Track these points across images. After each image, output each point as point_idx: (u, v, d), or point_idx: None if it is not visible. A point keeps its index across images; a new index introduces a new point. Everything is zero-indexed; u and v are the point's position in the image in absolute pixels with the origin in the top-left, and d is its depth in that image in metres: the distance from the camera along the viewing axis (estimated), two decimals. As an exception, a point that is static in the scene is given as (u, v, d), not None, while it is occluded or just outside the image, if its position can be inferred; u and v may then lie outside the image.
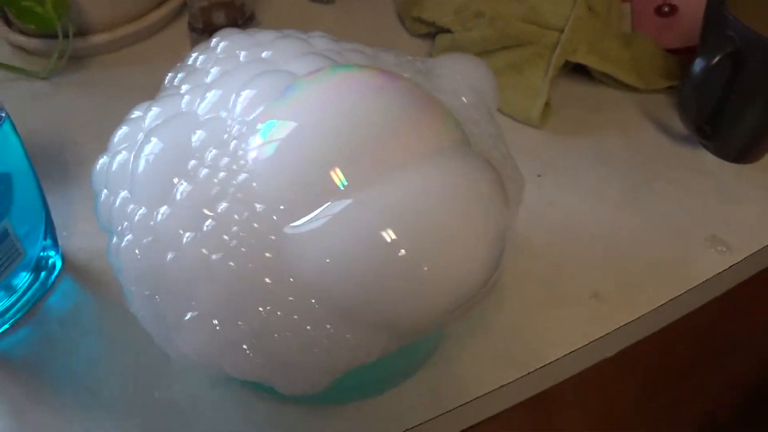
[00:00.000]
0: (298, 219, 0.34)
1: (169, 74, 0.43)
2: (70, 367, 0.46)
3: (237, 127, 0.36)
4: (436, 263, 0.34)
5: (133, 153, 0.38)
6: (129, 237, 0.37)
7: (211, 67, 0.41)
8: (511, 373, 0.44)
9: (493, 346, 0.46)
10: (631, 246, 0.50)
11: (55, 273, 0.51)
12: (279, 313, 0.34)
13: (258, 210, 0.34)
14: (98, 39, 0.63)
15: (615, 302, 0.48)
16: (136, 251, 0.37)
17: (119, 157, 0.39)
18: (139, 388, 0.45)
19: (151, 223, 0.36)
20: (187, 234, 0.35)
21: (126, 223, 0.37)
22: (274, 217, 0.34)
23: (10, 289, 0.49)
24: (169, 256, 0.35)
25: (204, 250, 0.34)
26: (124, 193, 0.38)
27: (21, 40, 0.64)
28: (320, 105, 0.36)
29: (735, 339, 0.63)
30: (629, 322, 0.47)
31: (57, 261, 0.51)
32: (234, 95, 0.37)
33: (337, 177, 0.33)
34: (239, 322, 0.35)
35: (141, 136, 0.39)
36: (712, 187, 0.54)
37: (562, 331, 0.46)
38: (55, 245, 0.51)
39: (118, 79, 0.62)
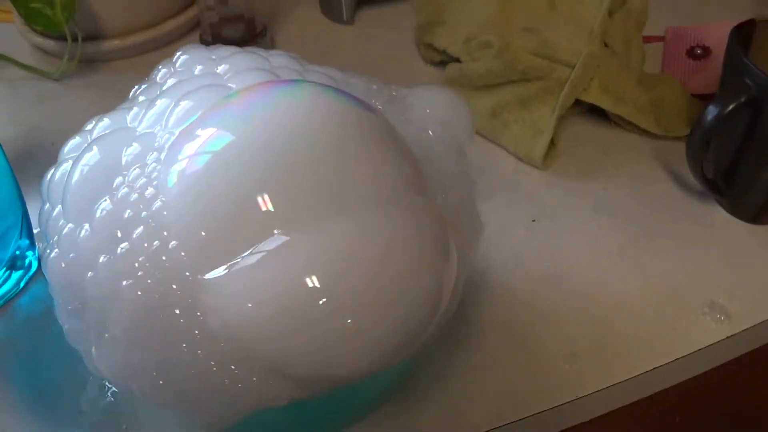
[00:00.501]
0: (213, 267, 0.32)
1: (135, 87, 0.42)
2: (28, 369, 0.46)
3: (164, 139, 0.35)
4: (359, 317, 0.31)
5: (71, 163, 0.37)
6: (56, 250, 0.36)
7: (167, 81, 0.40)
8: (464, 430, 0.42)
9: (450, 398, 0.43)
10: (620, 305, 0.47)
11: (30, 273, 0.51)
12: (184, 345, 0.33)
13: (168, 244, 0.32)
14: (110, 45, 0.63)
15: (592, 365, 0.44)
16: (62, 265, 0.36)
17: (62, 167, 0.38)
18: (88, 404, 0.44)
19: (76, 239, 0.35)
20: (102, 256, 0.33)
21: (56, 237, 0.36)
22: (183, 254, 0.32)
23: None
24: (89, 274, 0.34)
25: (115, 275, 0.33)
26: (59, 208, 0.37)
27: (38, 40, 0.64)
28: (252, 126, 0.34)
29: (742, 416, 0.58)
30: (603, 389, 0.44)
31: (33, 261, 0.51)
32: (170, 108, 0.36)
33: (263, 222, 0.31)
34: (146, 349, 0.33)
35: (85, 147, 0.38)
36: (719, 248, 0.50)
37: (529, 390, 0.43)
38: (33, 246, 0.51)
39: (127, 86, 0.61)
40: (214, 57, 0.40)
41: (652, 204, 0.52)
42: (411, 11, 0.66)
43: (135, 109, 0.38)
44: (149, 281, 0.32)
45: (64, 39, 0.62)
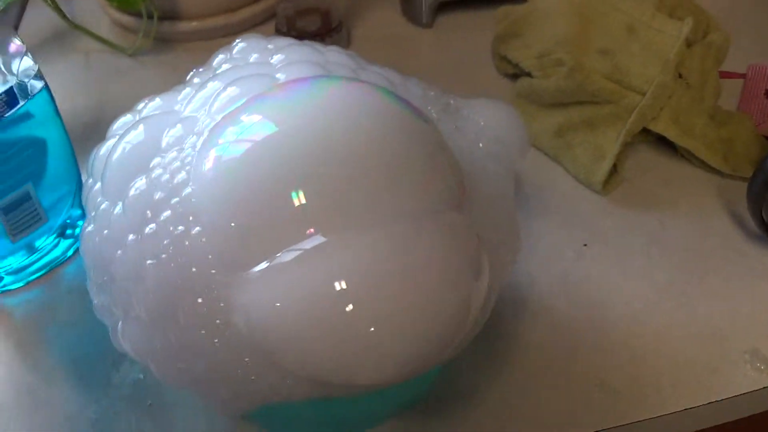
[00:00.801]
0: (241, 260, 0.32)
1: (193, 70, 0.43)
2: (65, 336, 0.47)
3: (205, 124, 0.35)
4: (384, 326, 0.31)
5: (116, 140, 0.37)
6: (92, 225, 0.37)
7: (222, 67, 0.40)
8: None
9: (474, 412, 0.42)
10: (661, 340, 0.45)
11: (78, 243, 0.52)
12: (203, 332, 0.33)
13: (192, 230, 0.32)
14: (186, 26, 0.64)
15: (621, 396, 0.43)
16: (96, 240, 0.36)
17: (107, 143, 0.38)
18: (118, 378, 0.45)
19: (110, 216, 0.36)
20: (131, 235, 0.34)
21: (93, 212, 0.37)
22: (204, 240, 0.32)
23: (31, 250, 0.50)
24: (118, 252, 0.35)
25: (141, 254, 0.33)
26: (99, 184, 0.37)
27: (116, 15, 0.66)
28: (296, 119, 0.33)
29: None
30: (631, 423, 0.42)
31: (84, 232, 0.52)
32: (217, 93, 0.36)
33: (298, 221, 0.31)
34: (167, 331, 0.33)
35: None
36: (771, 296, 0.48)
37: (555, 414, 0.42)
38: (84, 216, 0.52)
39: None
40: (270, 47, 0.40)
41: (708, 242, 0.50)
42: (491, 20, 0.65)
43: (186, 90, 0.39)
44: (172, 265, 0.32)
45: (141, 16, 0.63)
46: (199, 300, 0.32)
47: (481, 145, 0.40)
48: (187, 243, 0.32)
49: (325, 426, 0.42)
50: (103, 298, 0.37)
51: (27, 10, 0.74)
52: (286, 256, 0.31)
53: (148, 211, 0.33)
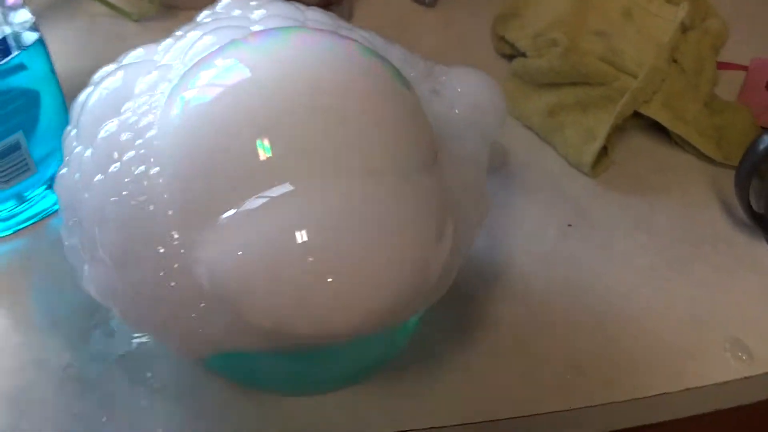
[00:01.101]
0: (201, 214, 0.32)
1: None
2: (44, 286, 0.48)
3: (178, 71, 0.35)
4: (342, 278, 0.31)
5: (94, 87, 0.38)
6: (65, 169, 0.37)
7: (204, 21, 0.40)
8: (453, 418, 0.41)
9: (440, 385, 0.43)
10: (638, 325, 0.45)
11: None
12: (161, 274, 0.33)
13: (151, 171, 0.33)
14: (191, -7, 0.64)
15: (592, 378, 0.43)
16: (69, 183, 0.37)
17: (87, 90, 0.39)
18: (93, 328, 0.45)
19: (81, 159, 0.36)
20: (98, 176, 0.34)
21: (68, 157, 0.38)
22: (161, 181, 0.32)
23: (21, 199, 0.50)
24: (86, 195, 0.35)
25: (105, 194, 0.34)
26: (75, 129, 0.38)
27: (125, -20, 0.66)
28: (267, 65, 0.34)
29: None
30: (601, 404, 0.42)
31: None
32: (193, 43, 0.36)
33: (263, 169, 0.31)
34: (127, 274, 0.34)
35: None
36: (756, 286, 0.47)
37: (524, 393, 0.42)
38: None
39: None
40: (253, 3, 0.40)
41: (695, 229, 0.50)
42: (496, 1, 0.65)
43: (167, 41, 0.39)
44: (132, 203, 0.33)
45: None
46: (157, 242, 0.33)
47: (457, 111, 0.40)
48: (146, 183, 0.32)
49: (289, 384, 0.42)
50: (73, 241, 0.37)
51: None
52: (252, 204, 0.31)
53: (115, 152, 0.34)
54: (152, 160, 0.32)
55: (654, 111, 0.52)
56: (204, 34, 0.36)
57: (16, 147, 0.47)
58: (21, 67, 0.46)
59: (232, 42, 0.34)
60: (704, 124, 0.52)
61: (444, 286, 0.37)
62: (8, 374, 0.43)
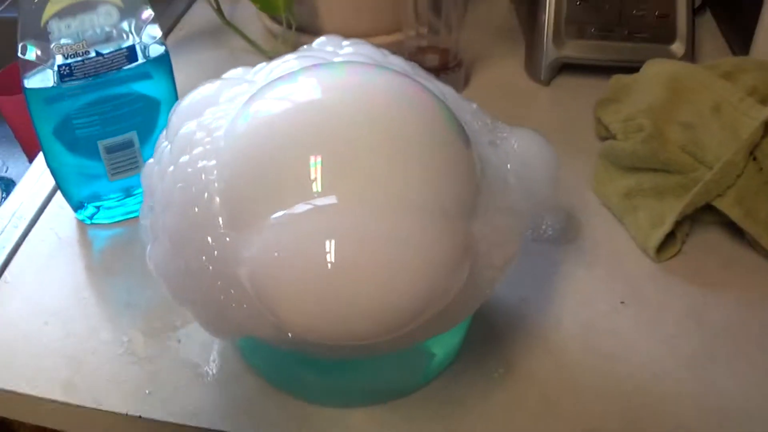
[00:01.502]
0: (248, 215, 0.36)
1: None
2: (131, 273, 0.54)
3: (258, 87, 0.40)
4: (361, 287, 0.34)
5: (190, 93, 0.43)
6: (152, 160, 0.42)
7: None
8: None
9: (461, 426, 0.44)
10: (666, 408, 0.45)
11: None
12: (203, 258, 0.37)
13: (210, 166, 0.37)
14: (320, 39, 0.70)
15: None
16: (150, 172, 0.42)
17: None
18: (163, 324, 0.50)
19: (163, 152, 0.41)
20: (171, 167, 0.39)
21: (157, 152, 0.43)
22: (212, 177, 0.37)
23: (127, 193, 0.57)
24: (160, 183, 0.40)
25: (174, 181, 0.38)
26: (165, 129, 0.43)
27: (268, 23, 0.73)
28: (335, 91, 0.38)
29: None
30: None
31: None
32: (277, 66, 0.41)
33: (312, 182, 0.34)
34: (178, 253, 0.38)
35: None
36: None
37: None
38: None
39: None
40: (345, 43, 0.45)
41: (746, 328, 0.49)
42: (606, 86, 0.67)
43: (262, 64, 0.44)
44: (193, 191, 0.37)
45: (286, 25, 0.70)
46: (205, 229, 0.37)
47: (509, 166, 0.42)
48: (203, 176, 0.37)
49: (312, 390, 0.45)
50: (146, 221, 0.42)
51: (193, 6, 0.84)
52: (295, 209, 0.35)
53: (188, 147, 0.38)
54: (214, 157, 0.37)
55: (726, 206, 0.52)
56: (290, 59, 0.41)
57: (129, 144, 0.54)
58: (145, 75, 0.52)
59: (305, 68, 0.39)
60: (777, 227, 0.52)
61: (459, 313, 0.39)
62: (77, 338, 0.49)
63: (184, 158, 0.38)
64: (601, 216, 0.57)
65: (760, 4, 0.67)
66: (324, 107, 0.37)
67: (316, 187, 0.35)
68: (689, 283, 0.52)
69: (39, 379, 0.47)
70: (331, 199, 0.34)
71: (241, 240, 0.36)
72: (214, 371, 0.47)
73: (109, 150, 0.53)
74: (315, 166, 0.35)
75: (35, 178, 0.62)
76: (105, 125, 0.52)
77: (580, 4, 0.70)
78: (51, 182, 0.61)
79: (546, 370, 0.47)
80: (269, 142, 0.37)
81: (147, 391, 0.46)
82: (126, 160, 0.54)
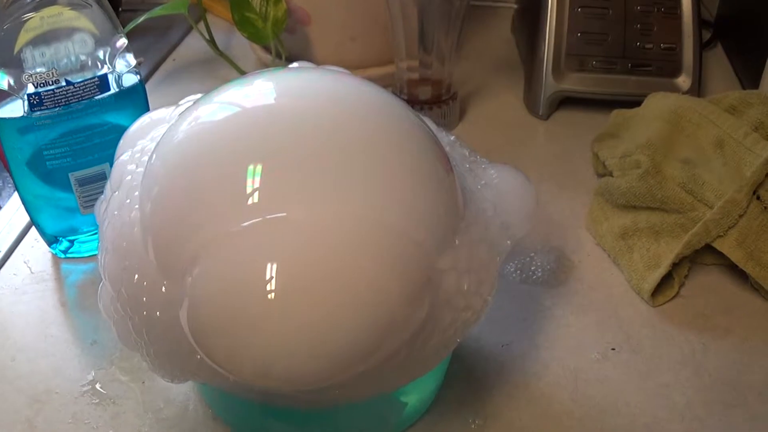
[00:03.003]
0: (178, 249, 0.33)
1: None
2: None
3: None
4: (300, 327, 0.31)
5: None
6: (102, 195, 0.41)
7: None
8: None
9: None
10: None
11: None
12: (144, 299, 0.35)
13: (133, 203, 0.35)
14: (311, 71, 0.68)
15: None
16: (100, 207, 0.40)
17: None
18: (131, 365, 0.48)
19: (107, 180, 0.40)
20: (112, 192, 0.37)
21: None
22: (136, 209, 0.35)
23: (102, 229, 0.55)
24: (104, 206, 0.39)
25: (108, 215, 0.37)
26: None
27: (261, 54, 0.72)
28: (278, 98, 0.35)
29: None
30: None
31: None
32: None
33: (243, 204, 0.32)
34: (119, 295, 0.36)
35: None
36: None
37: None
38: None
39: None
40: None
41: (746, 376, 0.46)
42: (605, 121, 0.65)
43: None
44: (123, 229, 0.35)
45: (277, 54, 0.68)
46: (140, 269, 0.35)
47: (487, 196, 0.40)
48: (132, 214, 0.35)
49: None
50: (100, 259, 0.40)
51: (187, 37, 0.84)
52: (227, 235, 0.32)
53: (121, 177, 0.37)
54: (144, 183, 0.35)
55: (727, 247, 0.49)
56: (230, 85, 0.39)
57: (101, 177, 0.52)
58: (118, 105, 0.51)
59: (247, 75, 0.37)
60: (778, 271, 0.49)
61: (428, 359, 0.37)
62: (42, 376, 0.47)
63: (116, 193, 0.36)
64: (595, 256, 0.55)
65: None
66: (267, 112, 0.34)
67: (252, 202, 0.32)
68: (686, 329, 0.49)
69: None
70: (270, 218, 0.31)
71: (173, 278, 0.33)
72: (178, 416, 0.44)
73: (81, 183, 0.51)
74: (252, 178, 0.32)
75: (13, 209, 0.61)
76: (77, 157, 0.51)
77: (581, 35, 0.68)
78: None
79: (528, 421, 0.44)
80: (196, 158, 0.34)
81: (110, 432, 0.44)
82: (99, 193, 0.52)
